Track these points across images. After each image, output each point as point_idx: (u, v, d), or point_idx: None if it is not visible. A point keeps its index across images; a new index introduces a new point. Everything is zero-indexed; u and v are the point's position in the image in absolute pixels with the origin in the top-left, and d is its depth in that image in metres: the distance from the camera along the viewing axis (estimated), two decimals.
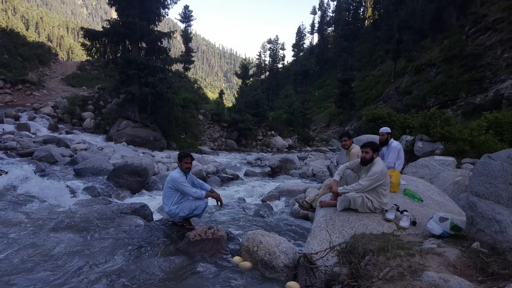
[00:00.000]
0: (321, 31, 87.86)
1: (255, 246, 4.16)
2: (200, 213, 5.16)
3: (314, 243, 4.09)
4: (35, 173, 8.72)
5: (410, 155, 10.82)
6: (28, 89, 25.05)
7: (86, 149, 14.89)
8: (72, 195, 7.61)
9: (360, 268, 3.31)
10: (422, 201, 5.16)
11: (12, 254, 4.00)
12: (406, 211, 4.41)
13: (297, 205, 6.69)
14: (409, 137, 11.42)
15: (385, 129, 6.34)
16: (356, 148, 6.04)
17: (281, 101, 60.82)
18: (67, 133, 19.90)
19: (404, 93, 37.35)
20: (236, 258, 4.24)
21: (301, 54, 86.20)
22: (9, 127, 16.78)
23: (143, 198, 8.56)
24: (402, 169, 8.50)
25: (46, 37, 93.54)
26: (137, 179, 9.33)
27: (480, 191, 3.26)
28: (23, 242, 4.37)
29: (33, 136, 16.24)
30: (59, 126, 20.61)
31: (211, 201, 5.62)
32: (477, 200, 3.27)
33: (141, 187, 9.46)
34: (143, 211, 6.02)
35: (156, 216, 6.53)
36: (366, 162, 4.51)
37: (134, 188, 9.23)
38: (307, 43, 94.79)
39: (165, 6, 24.26)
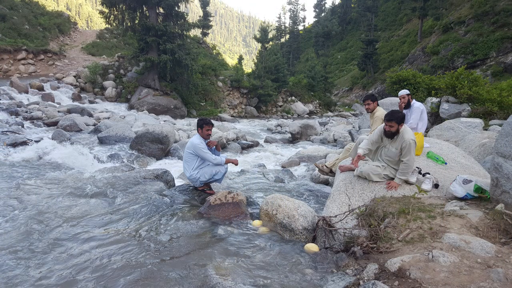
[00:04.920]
0: None
1: (274, 210, 4.20)
2: (220, 178, 5.24)
3: (333, 207, 4.09)
4: (60, 142, 8.99)
5: (436, 118, 10.49)
6: (50, 59, 25.45)
7: (108, 118, 15.19)
8: (97, 162, 7.85)
9: (380, 230, 3.30)
10: (445, 163, 5.02)
11: (37, 218, 4.20)
12: (429, 173, 4.31)
13: (317, 170, 6.65)
14: (434, 99, 11.02)
15: (404, 92, 6.08)
16: (380, 111, 5.81)
17: (301, 65, 59.55)
18: (90, 102, 20.37)
19: (431, 54, 35.81)
20: (256, 222, 4.30)
21: (322, 14, 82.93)
22: (34, 97, 17.25)
23: (165, 165, 8.73)
24: (427, 131, 8.27)
25: (64, 6, 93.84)
26: (158, 146, 9.49)
27: (507, 151, 3.11)
28: (51, 207, 4.57)
29: (57, 105, 16.68)
30: (81, 95, 21.09)
31: (231, 167, 5.68)
32: (503, 161, 3.13)
33: (162, 154, 9.63)
34: (165, 177, 6.16)
35: (178, 182, 6.66)
36: (391, 135, 4.25)
37: (156, 155, 9.41)
38: (329, 2, 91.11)
39: None
